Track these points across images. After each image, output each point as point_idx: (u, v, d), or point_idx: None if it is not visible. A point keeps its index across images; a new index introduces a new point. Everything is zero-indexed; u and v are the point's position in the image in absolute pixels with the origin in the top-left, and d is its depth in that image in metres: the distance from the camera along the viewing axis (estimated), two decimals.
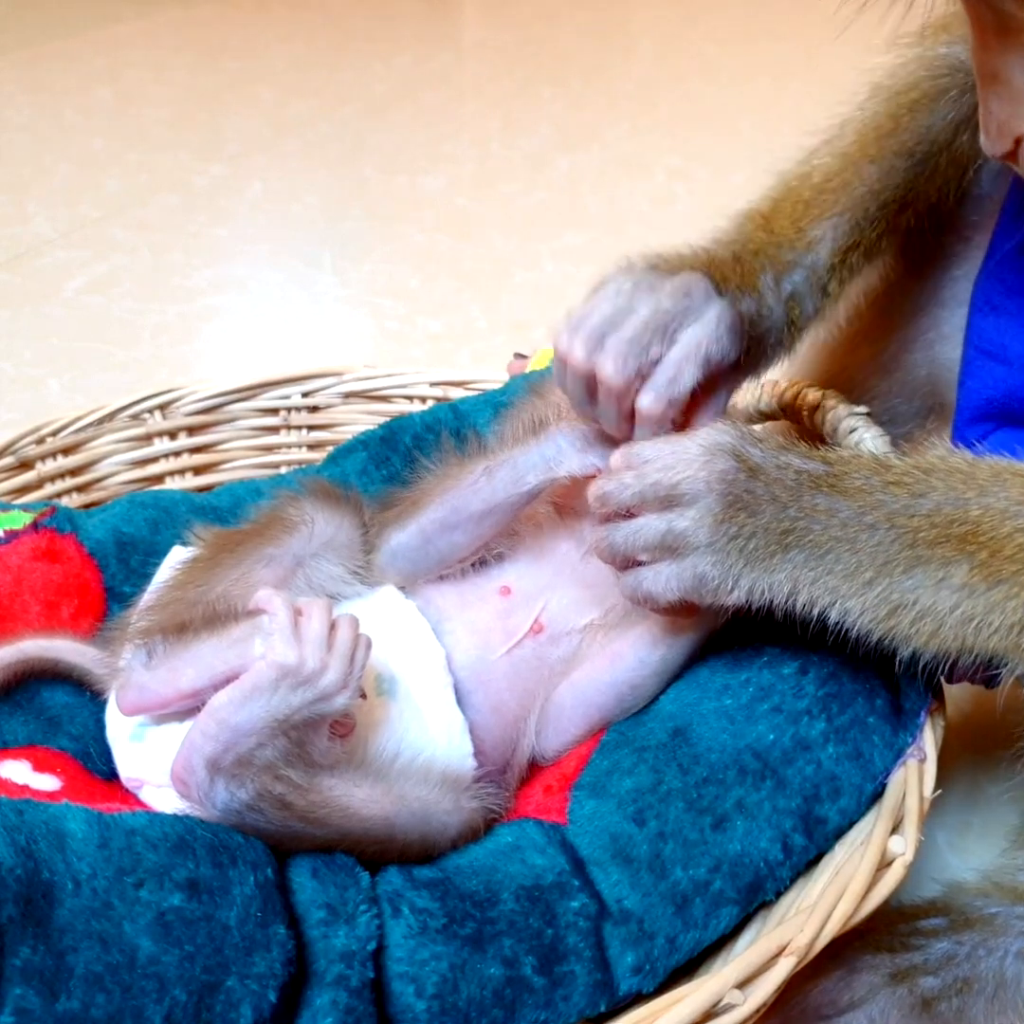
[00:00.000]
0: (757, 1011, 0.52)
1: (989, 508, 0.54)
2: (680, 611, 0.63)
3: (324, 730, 0.59)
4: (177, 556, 0.71)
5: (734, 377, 0.69)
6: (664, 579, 0.58)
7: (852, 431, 0.80)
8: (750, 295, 0.68)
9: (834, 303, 0.77)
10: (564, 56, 2.94)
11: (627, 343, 0.62)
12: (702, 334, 0.63)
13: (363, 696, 0.62)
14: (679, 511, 0.57)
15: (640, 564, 0.60)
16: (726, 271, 0.67)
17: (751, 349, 0.69)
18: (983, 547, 0.53)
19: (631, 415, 0.64)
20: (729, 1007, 0.51)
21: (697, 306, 0.64)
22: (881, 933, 0.64)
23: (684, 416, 0.65)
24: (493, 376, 0.97)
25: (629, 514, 0.59)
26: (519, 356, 0.92)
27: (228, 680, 0.57)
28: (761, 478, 0.56)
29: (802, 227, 0.73)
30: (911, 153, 0.76)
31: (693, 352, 0.63)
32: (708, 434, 0.58)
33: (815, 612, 0.56)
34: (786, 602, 0.56)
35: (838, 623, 0.56)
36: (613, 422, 0.64)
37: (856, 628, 0.56)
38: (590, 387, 0.64)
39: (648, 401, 0.62)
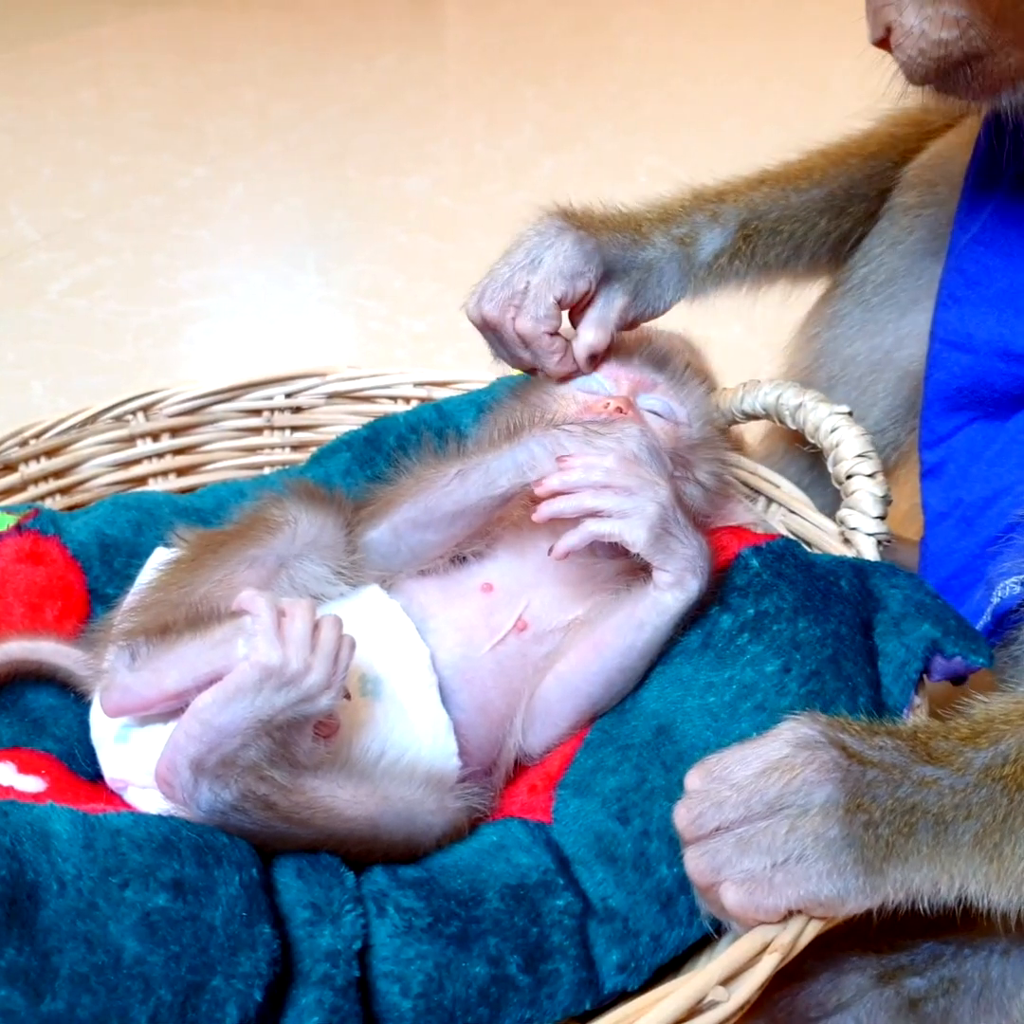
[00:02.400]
0: (741, 1008, 0.52)
1: None
2: None
3: (308, 731, 0.58)
4: (160, 557, 0.71)
5: (622, 298, 0.81)
6: (780, 889, 0.53)
7: (834, 430, 0.80)
8: (622, 232, 0.83)
9: (743, 248, 0.88)
10: (547, 57, 2.94)
11: (499, 286, 0.80)
12: (552, 256, 0.79)
13: (347, 697, 0.62)
14: (796, 811, 0.53)
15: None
16: (585, 215, 0.83)
17: (643, 282, 0.83)
18: None
19: (525, 345, 0.79)
20: (713, 1004, 0.51)
21: (550, 238, 0.80)
22: (867, 934, 0.64)
23: (574, 323, 0.80)
24: (477, 376, 0.97)
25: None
26: None
27: (212, 681, 0.57)
28: (866, 762, 0.55)
29: (719, 190, 0.89)
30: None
31: (546, 275, 0.79)
32: (791, 729, 0.56)
33: (961, 897, 0.55)
34: (932, 892, 0.54)
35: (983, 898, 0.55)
36: (517, 355, 0.80)
37: (1005, 901, 0.55)
38: (493, 341, 0.81)
39: (521, 323, 0.78)
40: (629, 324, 0.83)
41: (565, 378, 0.80)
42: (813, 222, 0.90)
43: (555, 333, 0.78)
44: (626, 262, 0.82)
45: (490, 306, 0.79)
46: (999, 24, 0.62)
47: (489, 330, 0.81)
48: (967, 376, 0.79)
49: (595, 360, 0.80)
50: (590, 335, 0.79)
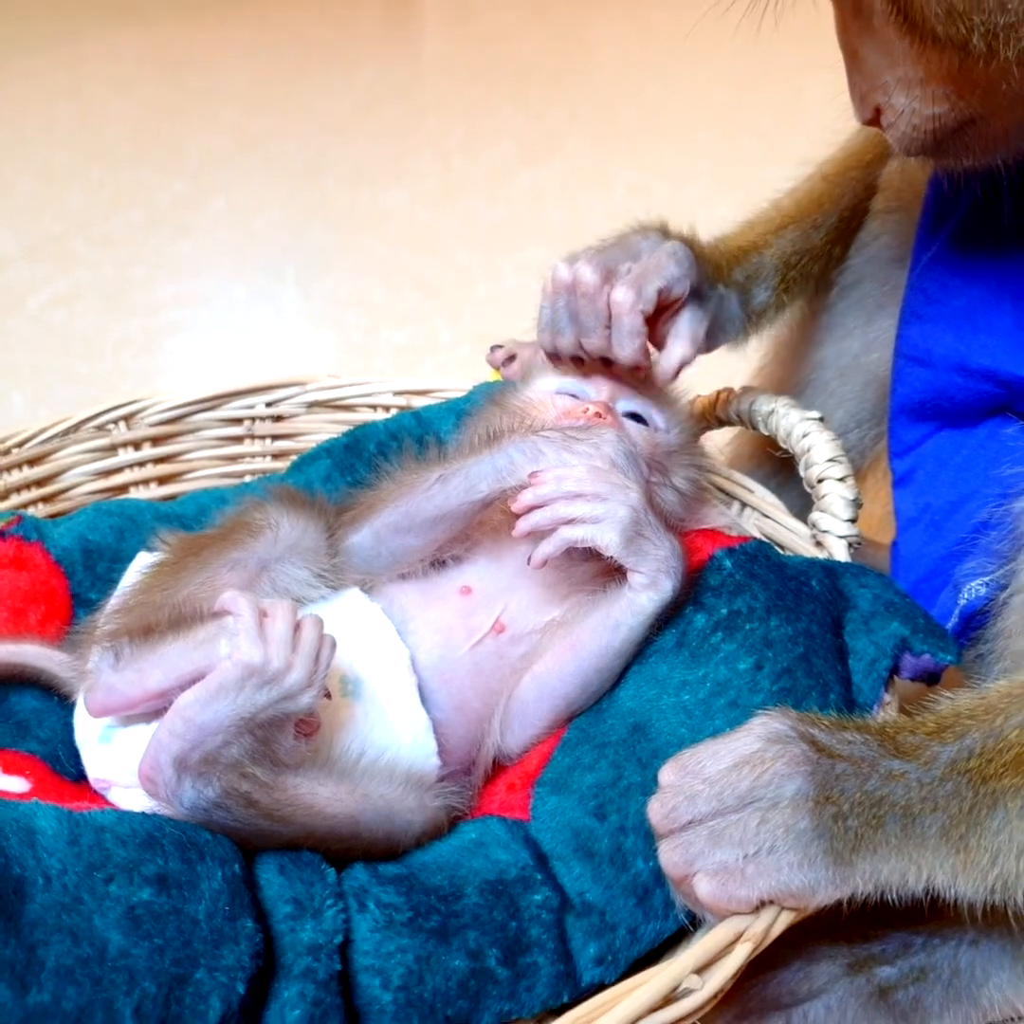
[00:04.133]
0: (715, 996, 0.53)
1: (1021, 726, 0.56)
2: None
3: (289, 729, 0.59)
4: (143, 561, 0.72)
5: (707, 318, 0.82)
6: (752, 880, 0.54)
7: (805, 435, 0.82)
8: (705, 261, 0.83)
9: (783, 300, 0.89)
10: (524, 71, 2.97)
11: (603, 256, 0.79)
12: (662, 252, 0.80)
13: (328, 696, 0.63)
14: (766, 804, 0.55)
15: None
16: (682, 234, 0.83)
17: (718, 313, 0.85)
18: None
19: (608, 322, 0.77)
20: (688, 992, 0.52)
21: (654, 241, 0.81)
22: (838, 925, 0.65)
23: (652, 338, 0.79)
24: (457, 385, 0.98)
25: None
26: (496, 347, 0.93)
27: (194, 680, 0.58)
28: (835, 755, 0.56)
29: (752, 238, 0.88)
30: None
31: (656, 263, 0.79)
32: (762, 724, 0.57)
33: (929, 888, 0.56)
34: (900, 884, 0.56)
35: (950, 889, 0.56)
36: (591, 329, 0.77)
37: (971, 891, 0.56)
38: (573, 307, 0.78)
39: (620, 293, 0.76)
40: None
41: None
42: (830, 253, 0.92)
43: (644, 321, 0.77)
44: (708, 289, 0.83)
45: (588, 269, 0.77)
46: (988, 93, 0.63)
47: (570, 294, 0.78)
48: (928, 390, 0.81)
49: (676, 373, 0.81)
50: (682, 347, 0.80)
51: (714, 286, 0.84)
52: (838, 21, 0.67)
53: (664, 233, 0.82)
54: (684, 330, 0.80)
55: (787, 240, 0.89)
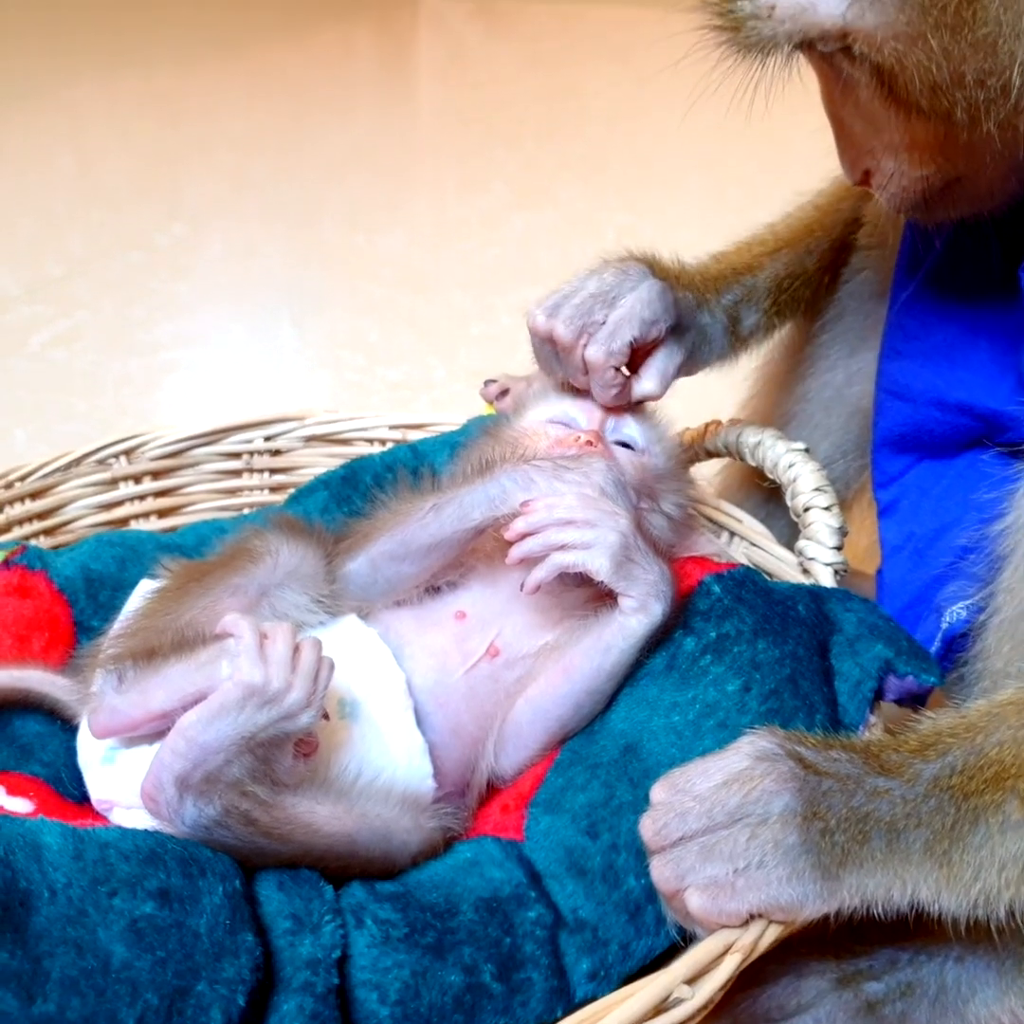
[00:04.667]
0: (705, 1006, 0.54)
1: (1001, 743, 0.58)
2: None
3: (289, 748, 0.61)
4: (145, 588, 0.74)
5: (681, 354, 0.84)
6: (742, 893, 0.56)
7: (791, 466, 0.84)
8: (689, 291, 0.84)
9: (773, 321, 0.91)
10: (518, 119, 3.02)
11: (575, 309, 0.80)
12: (635, 299, 0.80)
13: (326, 717, 0.64)
14: (756, 819, 0.56)
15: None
16: (665, 267, 0.85)
17: (698, 344, 0.86)
18: (1017, 777, 0.57)
19: (585, 368, 0.79)
20: (678, 1001, 0.54)
21: (633, 280, 0.81)
22: (827, 939, 0.66)
23: (631, 370, 0.81)
24: (451, 419, 1.00)
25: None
26: (489, 382, 0.95)
27: (197, 701, 0.59)
28: (822, 772, 0.57)
29: (747, 260, 0.90)
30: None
31: (627, 313, 0.79)
32: (750, 742, 0.58)
33: (914, 902, 0.57)
34: (886, 898, 0.57)
35: (934, 903, 0.57)
36: (575, 376, 0.80)
37: (954, 905, 0.57)
38: (555, 351, 0.81)
39: (591, 352, 0.79)
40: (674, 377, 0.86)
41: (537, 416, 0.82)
42: (820, 280, 0.94)
43: (619, 369, 0.80)
44: (688, 321, 0.85)
45: (564, 326, 0.79)
46: (971, 155, 0.66)
47: (548, 343, 0.81)
48: (908, 423, 0.84)
49: (642, 404, 0.83)
50: (650, 385, 0.82)
51: (697, 315, 0.86)
52: (824, 93, 0.70)
53: (649, 265, 0.83)
54: (654, 369, 0.82)
55: (781, 263, 0.91)
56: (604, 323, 0.79)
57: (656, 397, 0.82)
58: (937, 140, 0.66)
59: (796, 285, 0.92)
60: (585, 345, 0.79)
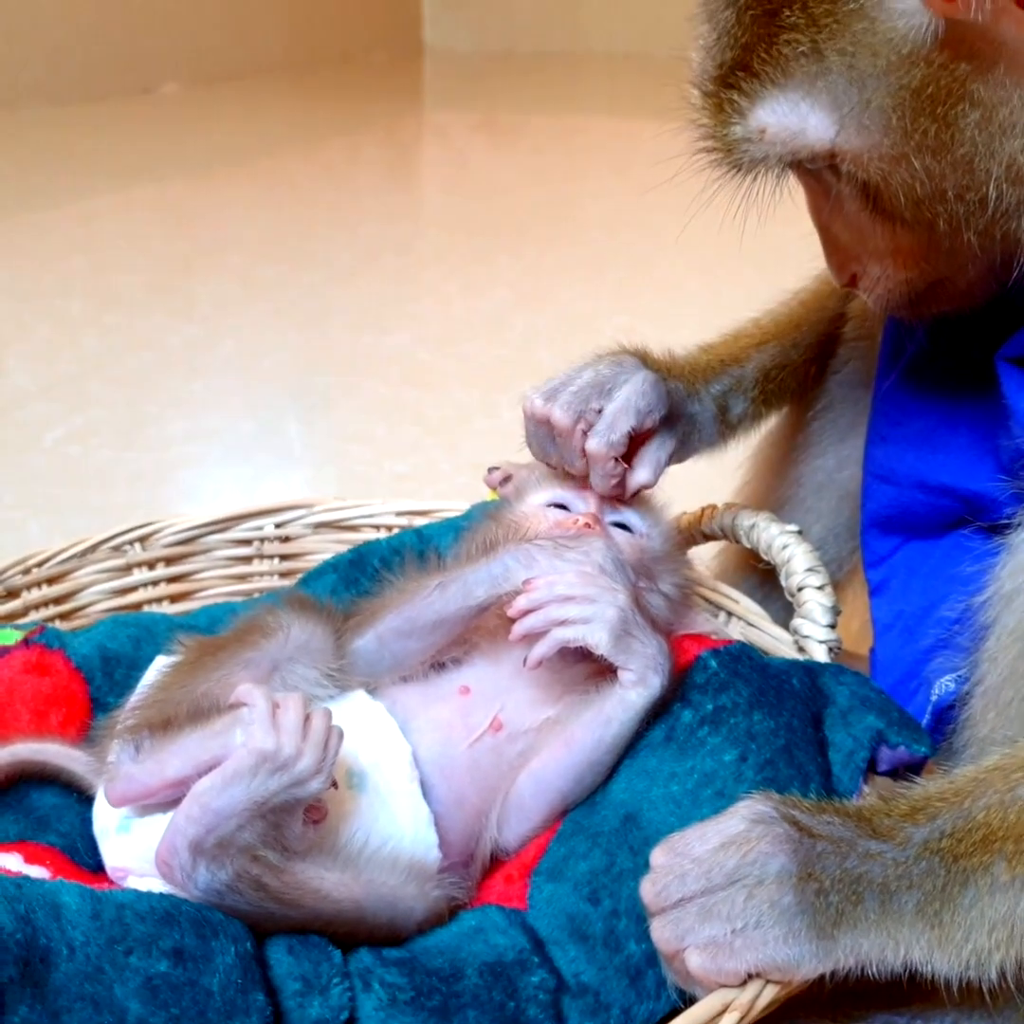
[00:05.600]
0: None
1: (988, 807, 0.60)
2: None
3: (299, 814, 0.63)
4: (161, 663, 0.76)
5: (672, 443, 0.87)
6: (740, 953, 0.57)
7: (785, 547, 0.87)
8: (680, 381, 0.88)
9: (761, 410, 0.94)
10: (519, 224, 3.11)
11: (572, 395, 0.82)
12: (631, 390, 0.83)
13: (335, 786, 0.66)
14: (753, 880, 0.58)
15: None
16: (656, 359, 0.88)
17: (688, 433, 0.90)
18: (1004, 840, 0.59)
19: (584, 456, 0.81)
20: None
21: (627, 372, 0.84)
22: (824, 1002, 0.67)
23: (627, 460, 0.83)
24: (456, 506, 1.04)
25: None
26: (493, 469, 0.99)
27: (211, 768, 0.62)
28: (816, 835, 0.59)
29: (734, 351, 0.94)
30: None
31: (624, 404, 0.82)
32: (747, 807, 0.60)
33: (907, 963, 0.58)
34: (880, 958, 0.58)
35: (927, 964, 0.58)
36: (571, 460, 0.83)
37: (947, 966, 0.58)
38: (550, 435, 0.83)
39: (593, 444, 0.81)
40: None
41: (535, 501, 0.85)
42: (806, 371, 0.98)
43: (618, 459, 0.82)
44: (679, 410, 0.88)
45: (561, 411, 0.81)
46: (953, 258, 0.71)
47: (544, 426, 0.83)
48: (894, 506, 0.87)
49: (637, 494, 0.85)
50: (645, 475, 0.84)
51: (687, 405, 0.89)
52: (812, 205, 0.75)
53: (641, 358, 0.86)
54: (648, 458, 0.85)
55: (768, 355, 0.95)
56: (601, 412, 0.82)
57: (650, 486, 0.85)
58: (921, 247, 0.71)
59: (783, 375, 0.96)
60: (584, 432, 0.81)
